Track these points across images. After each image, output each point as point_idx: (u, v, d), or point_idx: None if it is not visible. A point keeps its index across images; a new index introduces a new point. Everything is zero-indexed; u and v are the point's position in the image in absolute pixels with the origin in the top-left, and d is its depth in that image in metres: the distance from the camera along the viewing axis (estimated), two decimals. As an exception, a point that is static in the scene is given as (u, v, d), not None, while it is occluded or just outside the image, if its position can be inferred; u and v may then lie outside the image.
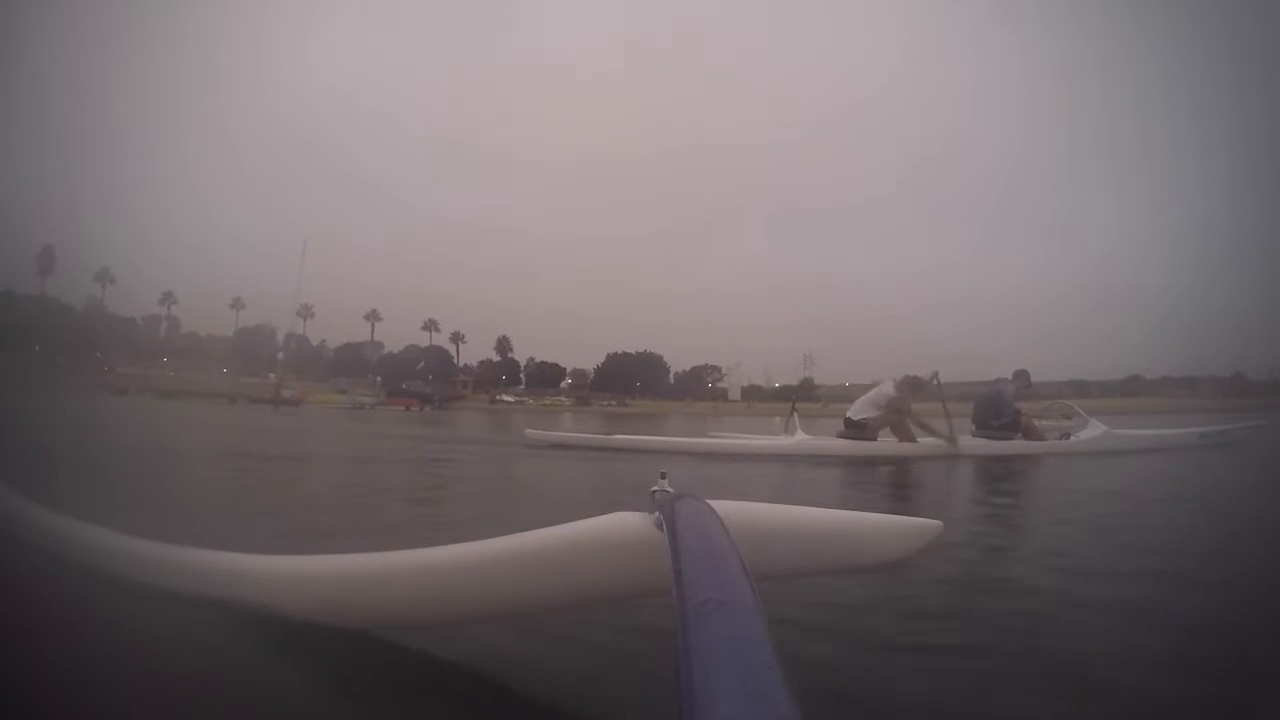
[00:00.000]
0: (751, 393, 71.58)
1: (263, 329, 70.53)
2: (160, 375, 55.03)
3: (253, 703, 1.30)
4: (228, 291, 71.92)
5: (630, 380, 73.61)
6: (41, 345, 52.13)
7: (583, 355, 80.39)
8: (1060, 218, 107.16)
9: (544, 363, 78.19)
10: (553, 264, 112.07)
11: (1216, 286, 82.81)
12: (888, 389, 7.59)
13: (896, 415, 7.43)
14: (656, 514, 1.18)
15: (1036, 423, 7.90)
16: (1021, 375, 8.32)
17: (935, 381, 7.62)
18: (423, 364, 73.86)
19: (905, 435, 7.39)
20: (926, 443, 7.31)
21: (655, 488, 1.32)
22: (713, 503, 1.14)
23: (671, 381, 78.30)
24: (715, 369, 78.51)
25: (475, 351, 77.96)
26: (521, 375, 77.71)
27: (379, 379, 62.08)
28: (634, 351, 77.20)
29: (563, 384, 77.05)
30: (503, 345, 77.83)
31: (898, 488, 5.07)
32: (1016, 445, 7.49)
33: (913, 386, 7.64)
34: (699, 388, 75.67)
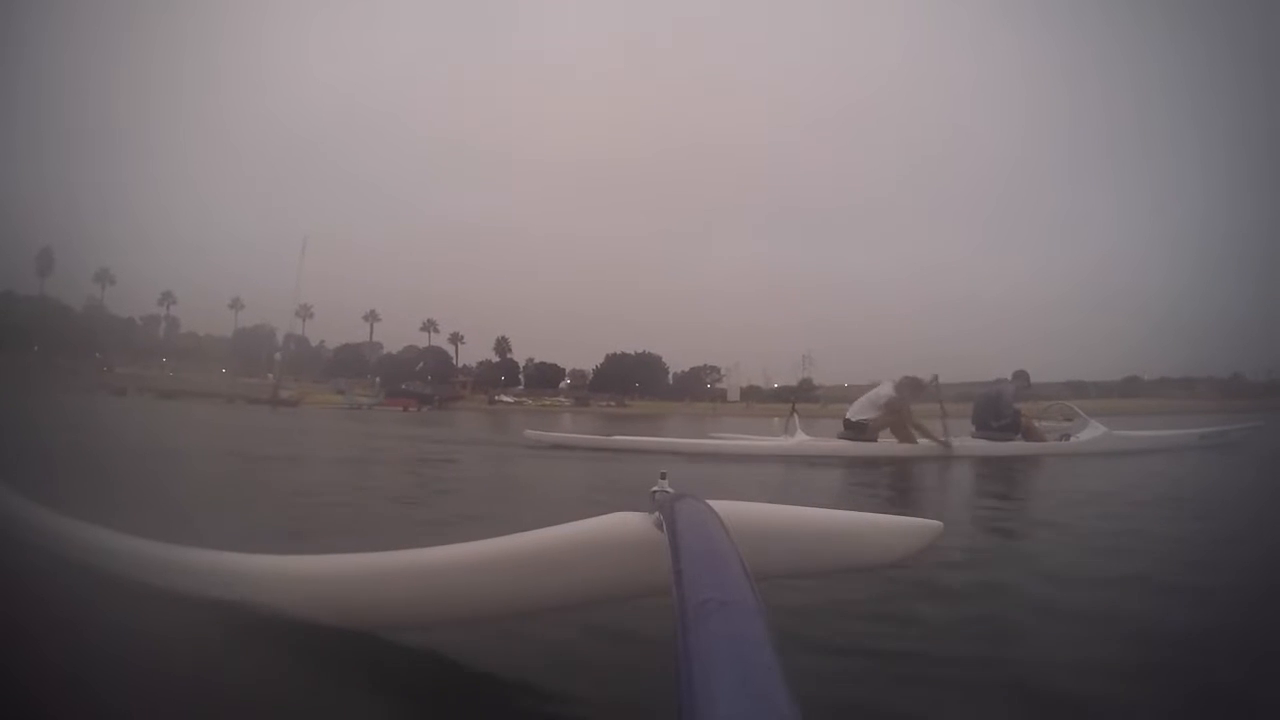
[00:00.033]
0: (750, 393, 71.59)
1: (262, 329, 70.58)
2: (159, 375, 54.97)
3: (253, 703, 1.30)
4: (227, 292, 72.01)
5: (629, 381, 73.62)
6: (41, 345, 52.08)
7: (582, 356, 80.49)
8: (1060, 218, 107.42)
9: (543, 363, 78.21)
10: (552, 264, 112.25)
11: (1216, 287, 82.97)
12: (886, 390, 7.59)
13: (895, 416, 7.43)
14: (656, 514, 1.18)
15: (1036, 424, 7.90)
16: (1021, 376, 8.31)
17: (934, 384, 7.63)
18: (421, 364, 73.83)
19: (905, 436, 7.39)
20: (924, 444, 7.31)
21: (655, 488, 1.32)
22: (713, 503, 1.14)
23: (670, 382, 78.32)
24: (714, 369, 78.58)
25: (474, 352, 78.05)
26: (520, 376, 77.71)
27: (378, 379, 62.01)
28: (633, 352, 77.27)
29: (561, 384, 77.06)
30: (502, 346, 77.87)
31: (897, 488, 5.07)
32: (1016, 446, 7.48)
33: (912, 387, 7.64)
34: (698, 388, 75.67)
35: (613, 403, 66.54)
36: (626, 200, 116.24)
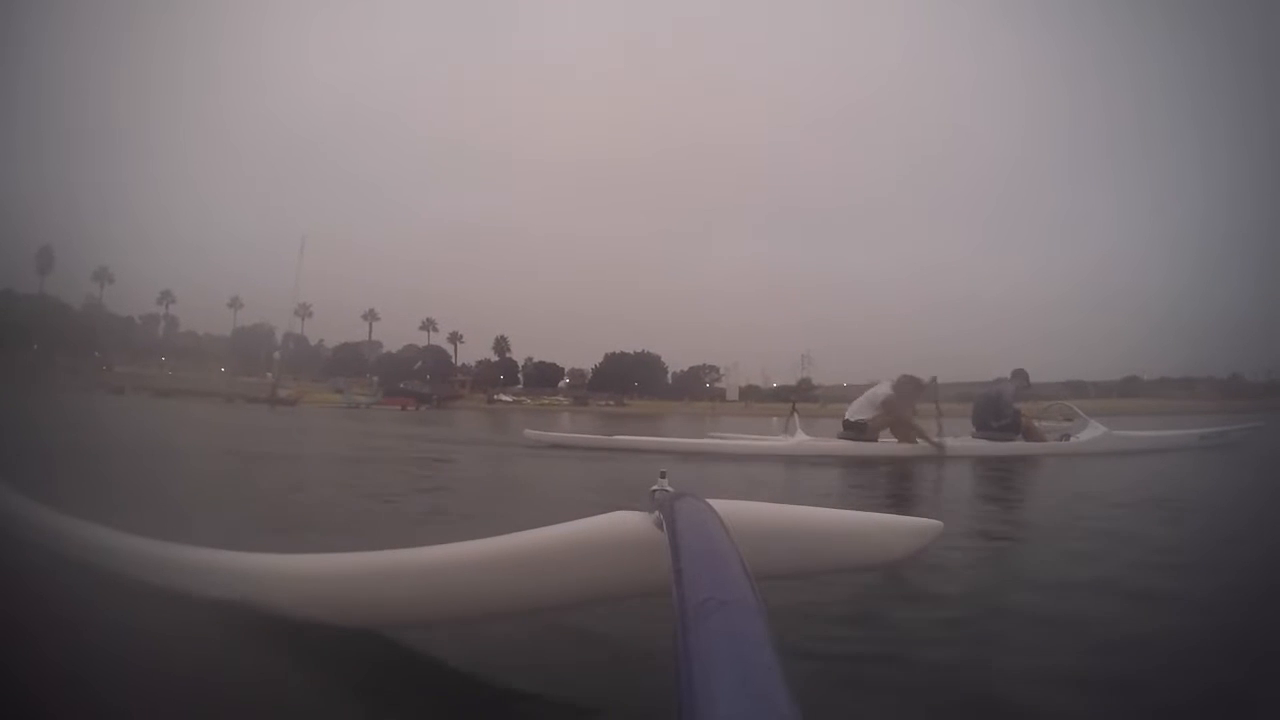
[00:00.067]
0: (749, 393, 71.68)
1: (261, 328, 70.53)
2: (158, 374, 54.98)
3: (252, 701, 1.30)
4: (226, 291, 71.93)
5: (628, 380, 73.65)
6: (40, 344, 52.04)
7: (581, 355, 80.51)
8: (1060, 218, 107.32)
9: (542, 363, 78.23)
10: (551, 264, 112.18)
11: (1216, 287, 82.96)
12: (884, 389, 7.59)
13: (893, 416, 7.43)
14: (656, 513, 1.17)
15: (1037, 424, 7.90)
16: (1020, 375, 8.29)
17: (932, 384, 7.62)
18: (420, 364, 73.85)
19: (904, 436, 7.39)
20: (919, 444, 7.30)
21: (655, 487, 1.31)
22: (713, 502, 1.14)
23: (669, 381, 78.34)
24: (713, 369, 78.63)
25: (473, 351, 78.00)
26: (519, 375, 77.73)
27: (376, 378, 62.02)
28: (632, 351, 77.28)
29: (560, 384, 77.09)
30: (501, 345, 77.87)
31: (896, 488, 5.07)
32: (1014, 446, 7.48)
33: (910, 386, 7.63)
34: (697, 388, 75.72)
35: (611, 402, 66.53)
36: (626, 200, 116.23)
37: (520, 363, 78.58)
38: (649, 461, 6.09)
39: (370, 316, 75.30)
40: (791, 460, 6.93)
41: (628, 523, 1.25)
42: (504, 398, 66.62)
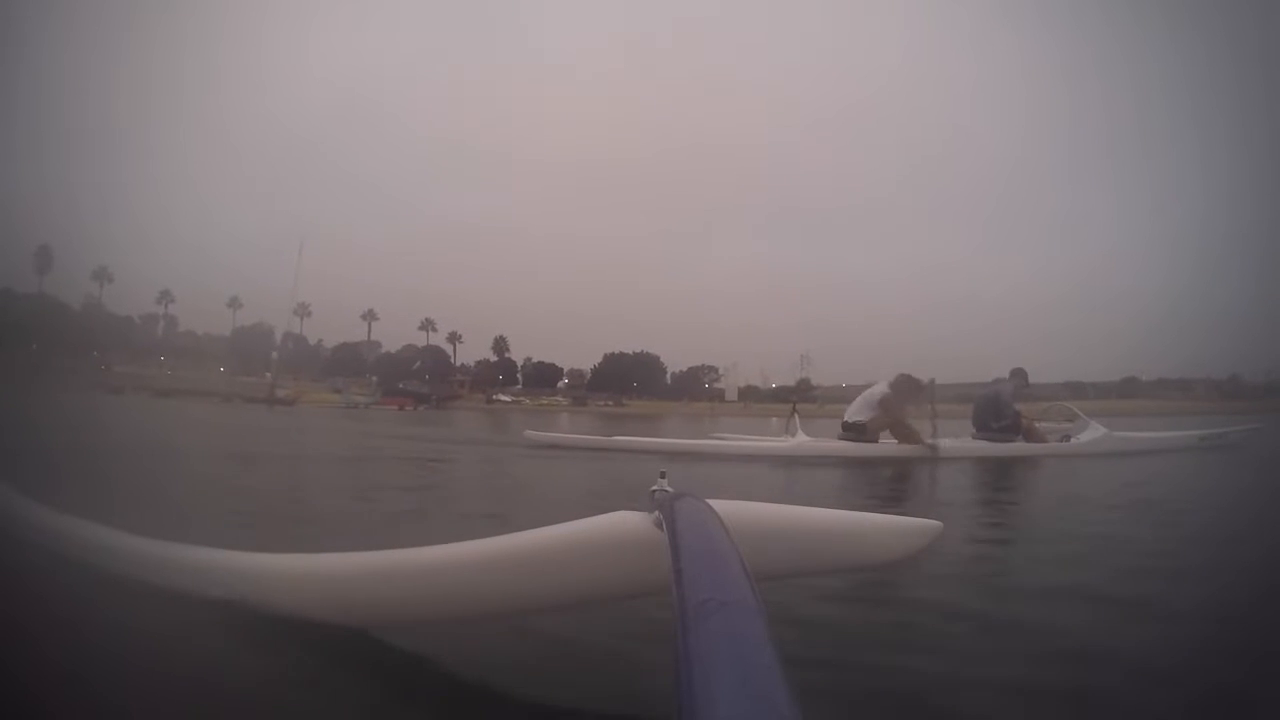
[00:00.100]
0: (748, 393, 71.68)
1: (260, 328, 70.52)
2: (158, 374, 54.93)
3: (252, 700, 1.30)
4: (225, 290, 71.99)
5: (627, 380, 73.66)
6: (39, 343, 51.95)
7: (580, 355, 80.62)
8: (1060, 218, 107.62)
9: (541, 363, 78.26)
10: (551, 264, 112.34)
11: (1216, 287, 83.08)
12: (881, 388, 7.57)
13: (891, 416, 7.42)
14: (656, 513, 1.17)
15: (1037, 425, 7.90)
16: (1018, 374, 8.28)
17: (929, 385, 7.61)
18: (419, 364, 73.87)
19: (904, 436, 7.37)
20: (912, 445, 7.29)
21: (655, 487, 1.31)
22: (713, 502, 1.14)
23: (668, 382, 78.34)
24: (712, 369, 78.65)
25: (472, 351, 78.05)
26: (518, 375, 77.72)
27: (375, 378, 61.97)
28: (631, 352, 77.28)
29: (560, 384, 77.08)
30: (500, 345, 77.90)
31: (894, 488, 5.07)
32: (1016, 447, 7.48)
33: (907, 385, 7.62)
34: (696, 388, 75.75)
35: (610, 402, 66.55)
36: (626, 200, 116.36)
37: (519, 363, 78.65)
38: (649, 462, 6.08)
39: (369, 316, 75.44)
40: (792, 461, 6.92)
41: (628, 523, 1.25)
42: (503, 398, 66.63)
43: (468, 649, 1.46)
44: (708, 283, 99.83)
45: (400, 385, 58.07)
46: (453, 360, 76.71)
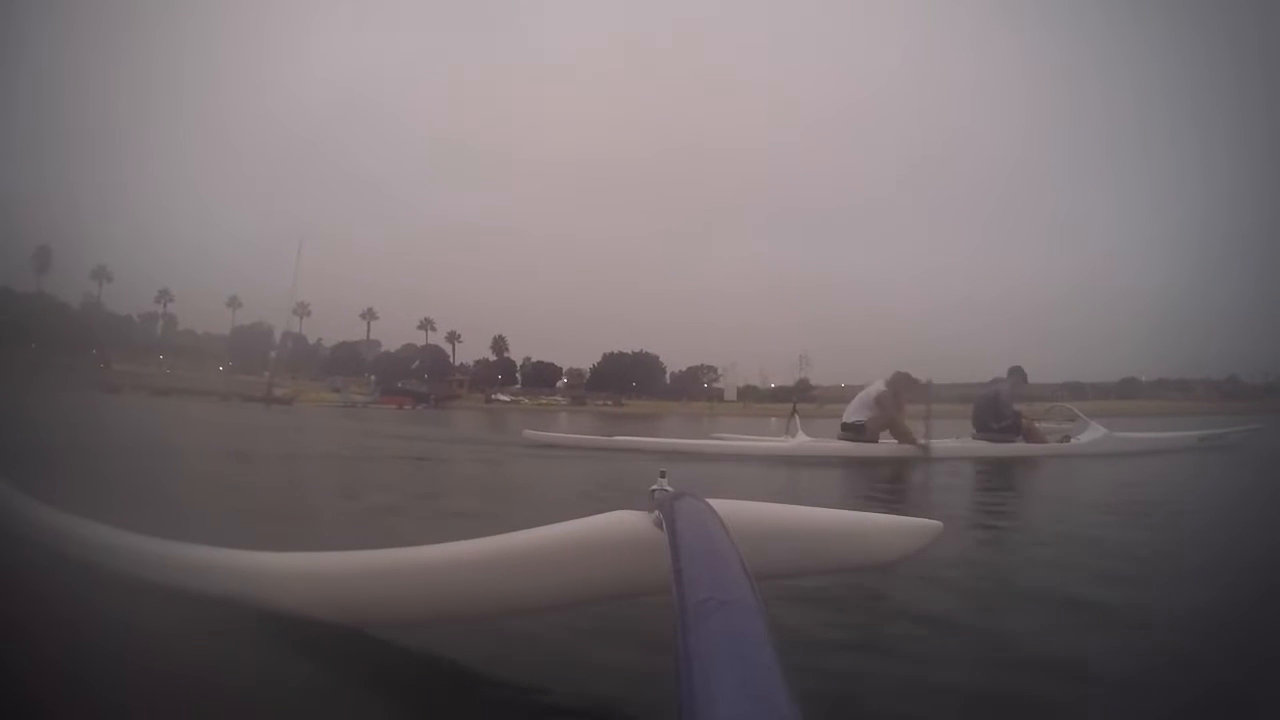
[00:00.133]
0: (747, 393, 71.72)
1: (259, 327, 70.55)
2: (157, 373, 54.90)
3: (251, 699, 1.30)
4: (224, 290, 72.03)
5: (626, 380, 73.69)
6: (38, 343, 51.93)
7: (579, 355, 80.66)
8: (1060, 218, 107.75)
9: (540, 362, 78.31)
10: (550, 264, 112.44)
11: (1215, 287, 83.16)
12: (878, 386, 7.55)
13: (888, 413, 7.41)
14: (656, 513, 1.17)
15: (1038, 425, 7.89)
16: (1017, 372, 8.25)
17: (926, 386, 7.61)
18: (418, 363, 73.93)
19: (902, 434, 7.36)
20: (933, 444, 7.28)
21: (655, 487, 1.31)
22: (713, 502, 1.14)
23: (667, 382, 78.37)
24: (711, 369, 78.72)
25: (471, 351, 78.11)
26: (517, 375, 77.75)
27: (373, 377, 61.99)
28: (630, 351, 77.29)
29: (558, 384, 77.10)
30: (499, 345, 77.94)
31: (891, 489, 5.07)
32: (1016, 448, 7.47)
33: (904, 383, 7.60)
34: (695, 388, 75.81)
35: (609, 402, 66.56)
36: (626, 200, 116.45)
37: (518, 362, 78.67)
38: (648, 462, 6.08)
39: (368, 315, 75.54)
40: (792, 461, 6.92)
41: (627, 522, 1.25)
42: (502, 397, 66.65)
43: (467, 648, 1.46)
44: (707, 283, 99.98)
45: (399, 384, 58.16)
46: (452, 360, 76.83)
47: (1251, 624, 1.83)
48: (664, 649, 0.67)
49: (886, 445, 7.34)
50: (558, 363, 78.93)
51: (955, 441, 7.57)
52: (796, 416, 8.43)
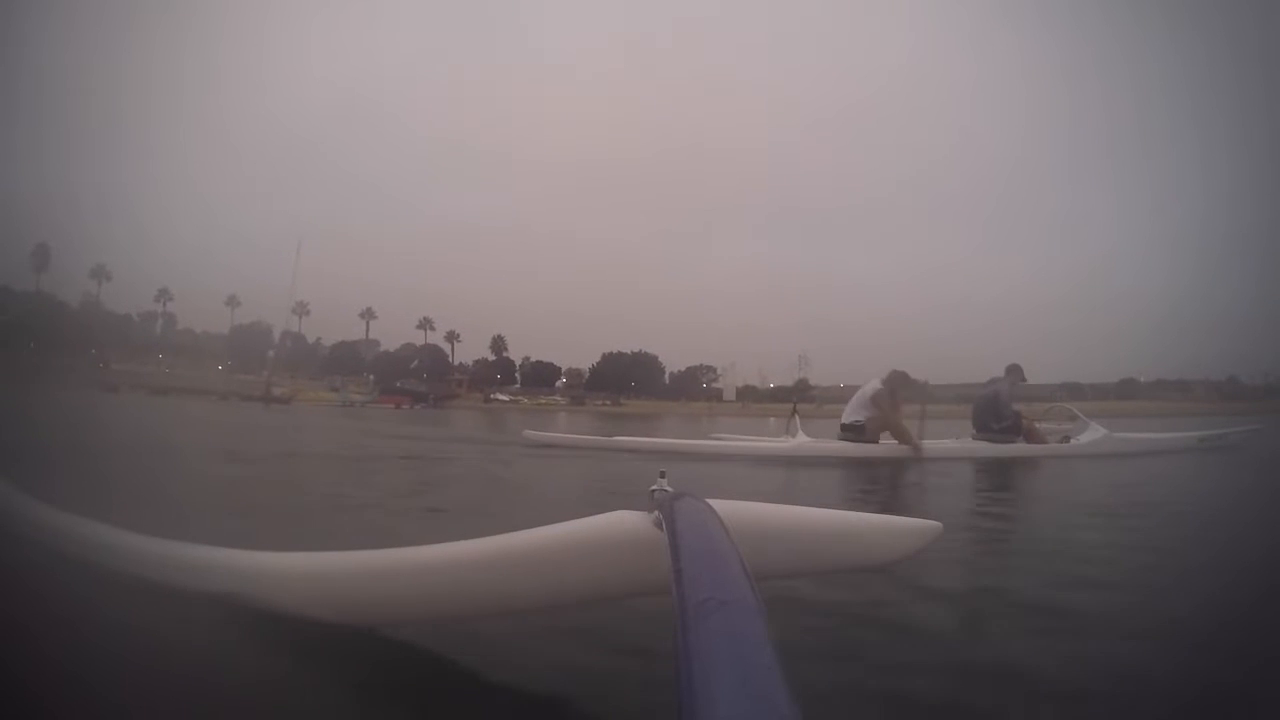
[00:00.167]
0: (746, 393, 71.77)
1: (259, 326, 70.58)
2: (156, 372, 54.93)
3: (251, 699, 1.30)
4: (224, 289, 72.07)
5: (625, 380, 73.71)
6: (37, 342, 51.91)
7: (578, 355, 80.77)
8: (1060, 218, 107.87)
9: (539, 362, 78.36)
10: (550, 264, 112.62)
11: (1216, 288, 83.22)
12: (874, 385, 7.55)
13: (884, 412, 7.40)
14: (656, 513, 1.17)
15: (1038, 425, 7.90)
16: (1014, 370, 8.24)
17: (924, 386, 7.60)
18: (417, 362, 73.94)
19: (900, 434, 7.36)
20: (933, 445, 7.30)
21: (655, 487, 1.31)
22: (713, 502, 1.14)
23: (666, 382, 78.40)
24: (710, 369, 78.78)
25: (470, 350, 78.17)
26: (516, 374, 77.77)
27: (372, 377, 62.00)
28: (629, 351, 77.30)
29: (558, 383, 77.12)
30: (498, 344, 77.98)
31: (890, 489, 5.07)
32: (1016, 448, 7.47)
33: (901, 382, 7.60)
34: (694, 388, 75.90)
35: (608, 402, 66.61)
36: (626, 200, 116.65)
37: (517, 362, 78.69)
38: (648, 462, 6.08)
39: (368, 315, 75.67)
40: (792, 461, 6.92)
41: (627, 522, 1.25)
42: (501, 397, 66.70)
43: (467, 649, 1.46)
44: (707, 283, 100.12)
45: (398, 384, 58.23)
46: (451, 359, 76.82)
47: (1252, 624, 1.83)
48: (664, 649, 0.67)
49: (886, 446, 7.34)
50: (557, 362, 79.16)
51: (955, 442, 7.57)
52: (797, 417, 8.42)
